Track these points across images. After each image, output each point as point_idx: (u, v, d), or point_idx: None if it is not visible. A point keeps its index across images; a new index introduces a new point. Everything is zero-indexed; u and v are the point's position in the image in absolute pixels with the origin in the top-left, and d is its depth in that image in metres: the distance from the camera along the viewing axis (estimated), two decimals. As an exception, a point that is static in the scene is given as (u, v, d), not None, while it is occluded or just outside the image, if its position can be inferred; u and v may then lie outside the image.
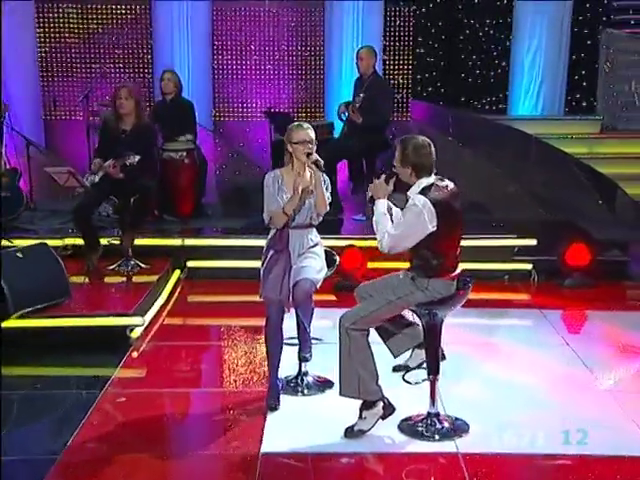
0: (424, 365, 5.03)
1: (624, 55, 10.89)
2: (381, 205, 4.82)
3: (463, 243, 7.35)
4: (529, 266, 8.07)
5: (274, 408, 5.28)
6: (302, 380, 5.65)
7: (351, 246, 7.92)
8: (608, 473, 4.48)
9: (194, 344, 6.64)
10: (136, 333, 6.52)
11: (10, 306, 6.24)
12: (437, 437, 4.89)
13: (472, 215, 9.04)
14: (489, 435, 4.91)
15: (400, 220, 4.71)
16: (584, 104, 11.81)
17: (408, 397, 5.15)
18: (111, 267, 7.71)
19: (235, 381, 5.85)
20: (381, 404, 4.88)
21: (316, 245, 5.45)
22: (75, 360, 6.23)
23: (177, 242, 8.24)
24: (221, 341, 6.75)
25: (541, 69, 11.40)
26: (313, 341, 5.62)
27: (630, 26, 11.14)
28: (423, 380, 5.03)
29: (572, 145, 10.35)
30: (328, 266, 5.56)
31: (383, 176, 4.87)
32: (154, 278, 7.57)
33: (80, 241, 7.64)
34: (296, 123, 5.47)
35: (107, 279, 7.56)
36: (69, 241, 7.89)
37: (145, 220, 7.84)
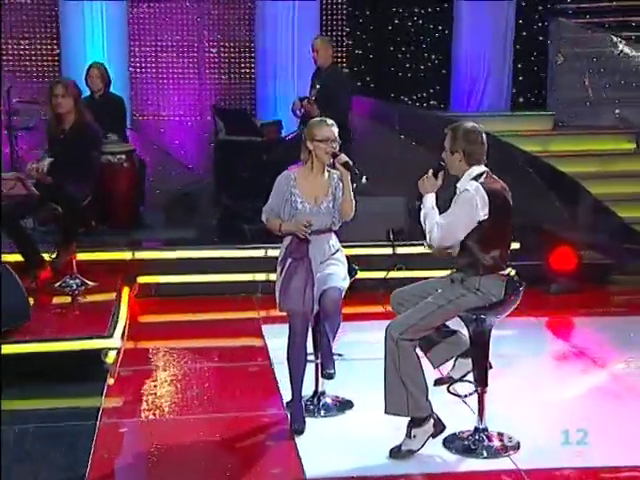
0: (469, 376, 5.16)
1: (576, 46, 11.35)
2: (430, 199, 4.96)
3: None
4: (512, 272, 8.30)
5: (301, 431, 5.31)
6: (319, 400, 5.71)
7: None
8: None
9: (173, 368, 6.63)
10: (111, 358, 6.43)
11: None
12: (489, 454, 5.03)
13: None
14: (542, 449, 5.08)
15: (450, 209, 4.84)
16: (533, 99, 12.22)
17: (445, 412, 5.23)
18: (56, 285, 7.56)
19: (241, 405, 5.86)
20: (431, 421, 4.99)
21: (337, 251, 5.53)
22: (49, 390, 6.11)
23: (126, 256, 8.11)
24: (201, 363, 6.78)
25: (485, 61, 11.75)
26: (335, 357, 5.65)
27: (582, 15, 11.60)
28: (471, 393, 5.15)
29: (524, 143, 10.70)
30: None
31: (431, 170, 5.00)
32: (109, 296, 7.47)
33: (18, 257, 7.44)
34: (318, 119, 5.56)
35: (55, 299, 7.41)
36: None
37: (78, 233, 7.62)
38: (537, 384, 6.20)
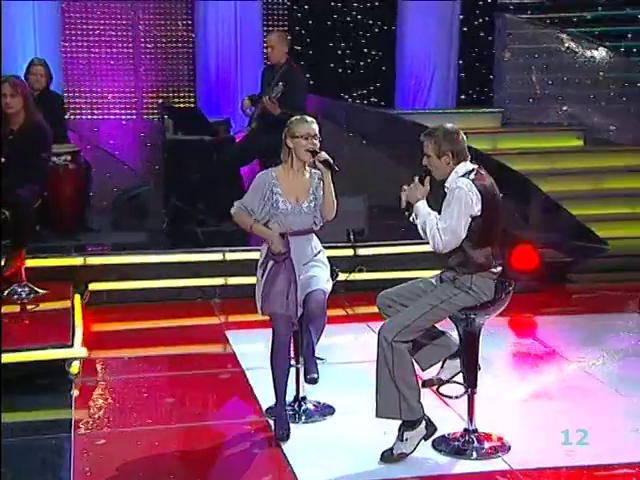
0: (457, 377, 5.30)
1: (523, 43, 11.64)
2: (422, 206, 5.07)
3: (402, 250, 7.77)
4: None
5: (286, 438, 5.39)
6: (300, 406, 5.80)
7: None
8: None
9: (140, 377, 6.64)
10: (75, 368, 6.43)
11: None
12: (481, 455, 5.18)
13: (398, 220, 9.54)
14: (532, 449, 5.24)
15: (446, 210, 4.97)
16: (479, 96, 12.47)
17: (432, 413, 5.34)
18: (4, 294, 7.50)
19: (219, 413, 5.97)
20: (423, 423, 5.12)
21: (319, 253, 5.63)
22: (11, 402, 5.95)
23: (77, 262, 8.08)
24: (168, 372, 6.84)
25: (430, 58, 11.99)
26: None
27: (527, 11, 11.92)
28: (462, 394, 5.29)
29: (472, 141, 10.89)
30: (326, 278, 5.71)
31: (416, 178, 5.12)
32: (63, 304, 7.45)
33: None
34: (298, 116, 5.60)
35: (4, 308, 7.32)
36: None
37: (27, 238, 7.58)
38: (514, 383, 6.41)
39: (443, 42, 12.12)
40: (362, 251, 8.55)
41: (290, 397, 5.78)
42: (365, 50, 12.78)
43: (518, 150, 11.15)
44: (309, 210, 5.53)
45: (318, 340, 5.56)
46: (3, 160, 7.13)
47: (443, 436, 5.34)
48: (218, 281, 8.30)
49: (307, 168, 5.59)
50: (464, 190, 4.95)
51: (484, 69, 12.46)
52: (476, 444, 5.26)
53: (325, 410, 5.83)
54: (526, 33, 11.85)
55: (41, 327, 7.02)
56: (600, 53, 11.69)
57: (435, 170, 5.12)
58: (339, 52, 13.03)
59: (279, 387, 5.48)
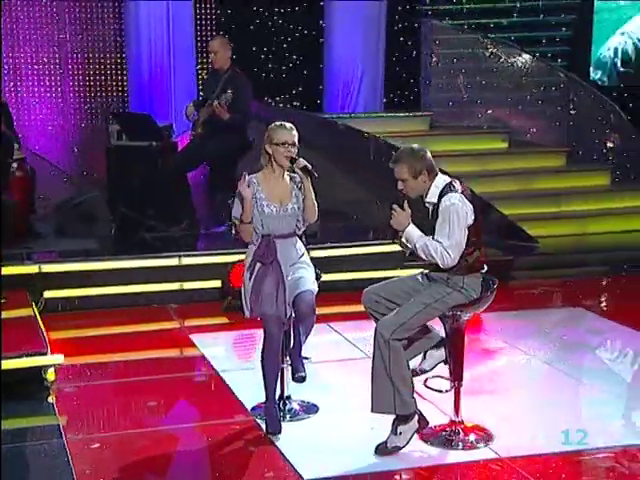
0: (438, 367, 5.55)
1: (449, 48, 12.01)
2: (412, 230, 5.29)
3: (351, 252, 8.02)
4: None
5: (277, 433, 5.58)
6: (285, 405, 5.97)
7: (241, 261, 8.22)
8: None
9: (115, 382, 6.77)
10: (51, 375, 6.47)
11: None
12: (469, 445, 5.44)
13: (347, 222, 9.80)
14: (517, 438, 5.51)
15: (446, 226, 5.20)
16: (407, 100, 12.78)
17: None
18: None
19: (204, 414, 6.08)
20: (416, 417, 5.35)
21: (303, 255, 5.81)
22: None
23: (32, 269, 8.08)
24: (143, 376, 6.87)
25: (358, 62, 12.26)
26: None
27: (453, 16, 12.30)
28: (450, 389, 5.54)
29: (404, 144, 11.22)
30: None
31: (395, 205, 5.31)
32: (24, 312, 7.48)
33: None
34: (278, 122, 5.75)
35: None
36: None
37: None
38: (482, 377, 6.65)
39: (370, 47, 12.38)
40: (315, 253, 8.67)
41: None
42: (292, 55, 12.92)
43: (448, 152, 11.44)
44: (293, 212, 5.71)
45: (306, 340, 5.73)
46: None
47: (430, 428, 5.56)
48: (173, 286, 8.35)
49: (287, 173, 5.74)
50: (459, 205, 5.19)
51: (411, 74, 12.74)
52: (462, 435, 5.50)
53: (310, 408, 6.00)
54: (451, 39, 12.20)
55: (11, 335, 6.98)
56: (521, 58, 12.13)
57: (412, 191, 5.32)
58: (265, 56, 13.09)
59: (270, 385, 5.65)
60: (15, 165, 8.59)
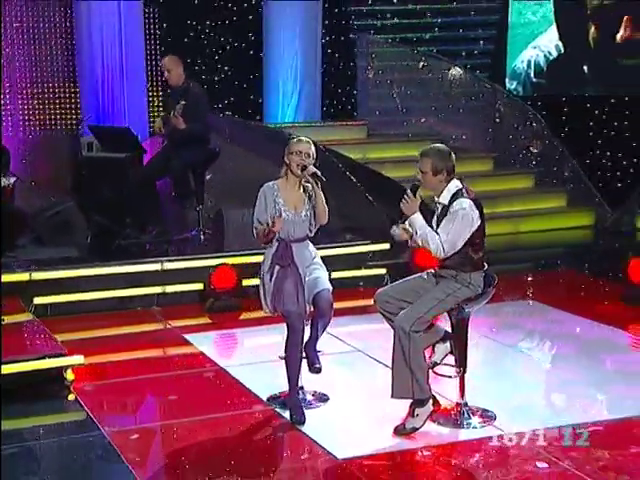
0: (447, 359, 6.13)
1: (384, 60, 12.64)
2: (418, 219, 5.83)
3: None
4: (383, 270, 9.37)
5: (302, 422, 6.05)
6: (298, 394, 6.43)
7: (223, 264, 8.69)
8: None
9: (131, 379, 7.12)
10: (71, 375, 6.81)
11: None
12: (476, 424, 6.02)
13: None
14: (515, 417, 6.11)
15: (450, 225, 5.77)
16: (345, 110, 13.35)
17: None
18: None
19: (225, 406, 6.48)
20: (431, 401, 5.92)
21: (316, 257, 6.33)
22: (18, 409, 6.39)
23: (24, 277, 8.36)
24: (153, 374, 7.23)
25: (297, 74, 12.78)
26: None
27: (381, 32, 12.93)
28: (457, 375, 6.12)
29: (345, 151, 11.80)
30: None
31: (409, 191, 5.89)
32: (25, 317, 7.77)
33: None
34: (297, 138, 6.26)
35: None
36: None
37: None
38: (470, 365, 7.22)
39: (308, 60, 12.85)
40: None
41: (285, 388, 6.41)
42: (231, 67, 13.31)
43: (384, 159, 12.04)
44: (306, 218, 6.21)
45: (322, 334, 6.26)
46: None
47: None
48: (156, 289, 8.73)
49: (301, 182, 6.25)
50: (467, 211, 5.75)
51: (348, 85, 13.31)
52: (468, 415, 6.08)
53: (321, 398, 6.48)
54: (385, 52, 12.81)
55: (23, 339, 7.32)
56: (449, 71, 12.82)
57: (428, 185, 5.90)
58: (206, 69, 13.36)
59: (293, 376, 6.13)
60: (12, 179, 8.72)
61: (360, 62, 13.07)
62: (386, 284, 9.02)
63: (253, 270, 8.57)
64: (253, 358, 7.51)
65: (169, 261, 8.82)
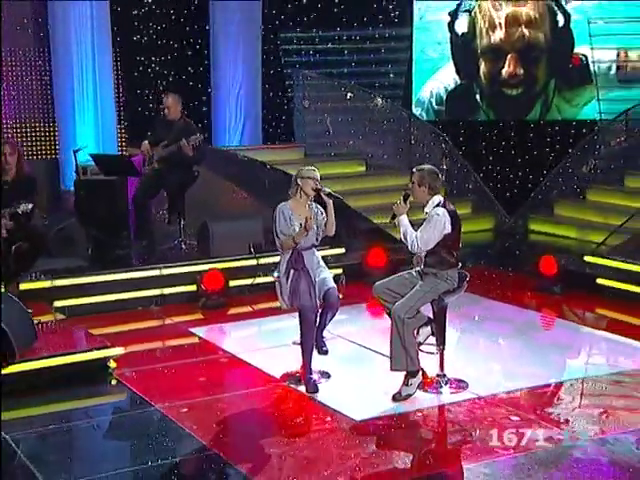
0: (430, 339, 6.98)
1: (315, 91, 13.45)
2: (404, 219, 6.67)
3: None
4: (340, 270, 10.14)
5: (317, 391, 6.84)
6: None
7: (212, 269, 9.37)
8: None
9: (158, 365, 7.75)
10: (114, 363, 7.41)
11: (14, 351, 6.83)
12: (455, 391, 6.86)
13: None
14: (485, 384, 6.98)
15: (426, 226, 6.62)
16: (284, 134, 14.08)
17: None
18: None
19: (248, 384, 7.19)
20: (420, 372, 6.77)
21: (320, 261, 7.11)
22: (76, 393, 7.00)
23: (46, 284, 8.88)
24: (176, 360, 7.85)
25: (242, 104, 13.50)
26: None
27: (311, 66, 13.73)
28: (438, 352, 6.97)
29: (288, 169, 12.49)
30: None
31: (401, 198, 6.74)
32: (57, 317, 8.35)
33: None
34: (307, 167, 7.03)
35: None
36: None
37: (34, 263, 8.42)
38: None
39: (251, 91, 13.57)
40: (263, 260, 9.89)
41: (298, 367, 7.13)
42: (185, 97, 13.73)
43: (321, 175, 12.74)
44: (313, 231, 6.97)
45: (329, 323, 7.05)
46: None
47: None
48: (155, 292, 9.34)
49: (308, 200, 7.01)
50: (440, 217, 6.61)
51: (287, 112, 14.05)
52: (447, 384, 6.92)
53: (324, 375, 7.19)
54: (317, 84, 13.60)
55: (69, 336, 7.83)
56: (373, 100, 13.70)
57: (414, 194, 6.74)
58: (145, 98, 13.65)
59: (308, 357, 6.89)
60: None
61: (296, 93, 13.76)
62: (342, 282, 9.87)
63: (238, 273, 9.46)
64: (254, 345, 8.21)
65: (166, 267, 9.41)
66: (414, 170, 6.80)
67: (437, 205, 6.72)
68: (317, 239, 7.05)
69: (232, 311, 9.33)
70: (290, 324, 8.32)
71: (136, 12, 13.45)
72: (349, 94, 13.42)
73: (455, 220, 6.74)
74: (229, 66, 13.49)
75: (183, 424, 6.30)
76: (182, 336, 8.55)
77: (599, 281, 9.64)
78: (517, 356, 7.82)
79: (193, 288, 9.43)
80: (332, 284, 6.91)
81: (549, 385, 7.07)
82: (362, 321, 8.84)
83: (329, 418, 6.45)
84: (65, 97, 12.33)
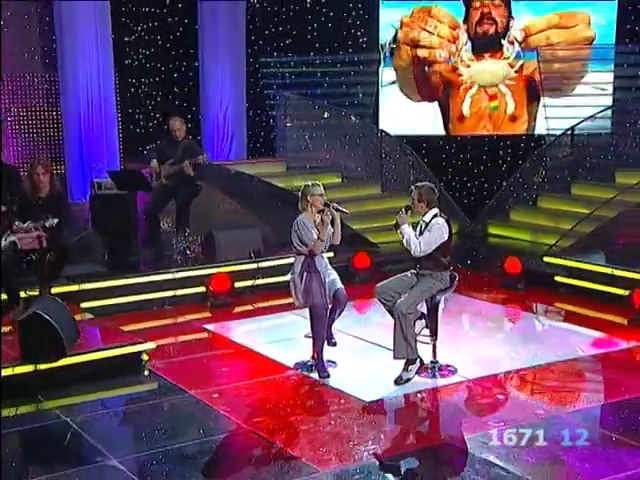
0: (424, 331, 7.65)
1: (296, 111, 14.07)
2: (407, 228, 7.33)
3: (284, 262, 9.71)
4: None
5: (328, 377, 7.47)
6: (315, 362, 7.80)
7: (219, 272, 9.95)
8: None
9: (183, 359, 8.26)
10: (147, 356, 7.96)
11: (65, 347, 7.37)
12: (446, 375, 7.54)
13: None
14: (471, 367, 7.66)
15: (428, 233, 7.29)
16: (267, 150, 14.67)
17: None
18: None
19: (265, 372, 7.76)
20: (418, 360, 7.44)
21: (327, 264, 7.74)
22: (117, 382, 7.55)
23: (74, 287, 9.37)
24: (197, 354, 8.43)
25: (229, 122, 14.09)
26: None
27: (287, 87, 14.34)
28: (431, 342, 7.64)
29: (273, 181, 13.14)
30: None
31: (403, 209, 7.40)
32: (88, 316, 8.86)
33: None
34: (311, 182, 7.65)
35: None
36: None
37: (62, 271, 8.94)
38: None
39: (237, 110, 14.17)
40: (262, 264, 10.49)
41: (306, 357, 7.78)
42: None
43: (300, 188, 13.34)
44: (326, 239, 7.60)
45: (337, 319, 7.70)
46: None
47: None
48: (169, 293, 9.89)
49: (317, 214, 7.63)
50: (440, 225, 7.29)
51: (270, 129, 14.62)
52: (440, 370, 7.60)
53: (332, 363, 7.79)
54: (300, 104, 14.20)
55: (107, 333, 8.35)
56: (345, 118, 14.35)
57: (415, 207, 7.41)
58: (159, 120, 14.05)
59: (320, 348, 7.51)
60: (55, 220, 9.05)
61: (277, 112, 14.34)
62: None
63: (242, 275, 10.04)
64: (262, 339, 8.77)
65: (178, 271, 9.97)
66: (413, 187, 7.44)
67: (435, 216, 7.37)
68: (326, 247, 7.66)
69: (237, 309, 9.87)
70: (290, 320, 9.16)
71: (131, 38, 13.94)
72: (325, 113, 13.97)
73: (449, 229, 7.40)
74: (217, 89, 14.06)
75: (218, 407, 6.87)
76: (197, 332, 9.08)
77: (557, 278, 10.37)
78: (493, 344, 8.51)
79: (202, 289, 9.91)
80: (340, 285, 7.55)
81: (524, 369, 7.75)
82: (353, 317, 9.39)
83: (342, 400, 7.05)
84: (72, 118, 12.72)
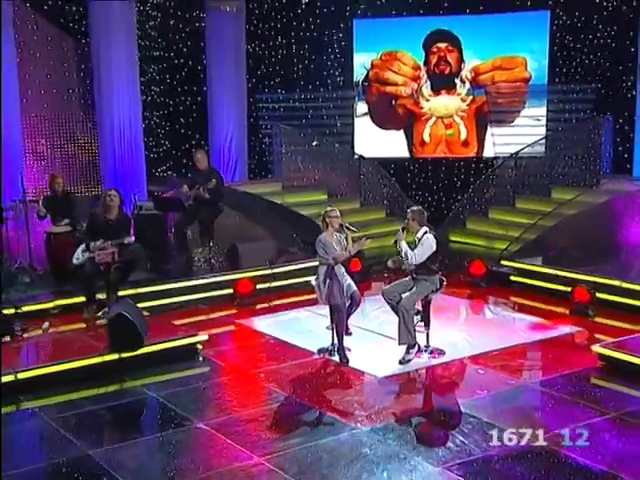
0: (419, 323, 8.88)
1: (289, 138, 15.22)
2: (404, 244, 8.50)
3: (294, 267, 10.89)
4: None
5: (348, 362, 8.66)
6: (334, 348, 8.99)
7: (244, 277, 11.09)
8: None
9: (225, 347, 9.33)
10: (200, 346, 9.04)
11: (142, 339, 8.48)
12: (438, 356, 8.75)
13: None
14: (455, 350, 8.90)
15: (420, 248, 8.47)
16: (264, 172, 15.80)
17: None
18: (99, 314, 9.80)
19: (295, 357, 8.80)
20: (417, 344, 8.68)
21: (344, 271, 8.94)
22: (181, 367, 8.62)
23: (133, 291, 10.36)
24: (234, 344, 9.52)
25: (232, 149, 15.21)
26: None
27: (276, 119, 15.48)
28: (425, 331, 8.88)
29: (273, 198, 14.26)
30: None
31: (400, 229, 8.62)
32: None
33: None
34: (329, 208, 8.80)
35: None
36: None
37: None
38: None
39: (239, 138, 15.25)
40: (276, 270, 11.63)
41: (326, 344, 8.93)
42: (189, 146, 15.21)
43: (294, 203, 14.53)
44: (351, 252, 8.77)
45: (353, 314, 8.88)
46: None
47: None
48: (203, 295, 10.96)
49: (335, 231, 8.83)
50: (430, 240, 8.49)
51: (267, 155, 15.77)
52: (432, 352, 8.81)
53: (347, 350, 8.98)
54: (290, 132, 15.31)
55: (165, 327, 9.34)
56: (331, 145, 15.49)
57: (409, 226, 8.57)
58: (176, 151, 15.25)
59: (341, 338, 8.66)
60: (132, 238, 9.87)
61: (274, 139, 15.46)
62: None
63: (262, 279, 11.15)
64: (286, 331, 9.81)
65: (211, 276, 11.07)
66: (409, 211, 8.66)
67: (425, 233, 8.60)
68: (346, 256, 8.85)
69: (259, 306, 10.96)
70: (305, 315, 10.21)
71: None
72: (315, 141, 15.14)
73: (437, 242, 8.64)
74: (222, 122, 15.14)
75: (267, 384, 8.02)
76: (231, 325, 10.10)
77: (512, 277, 11.69)
78: (471, 331, 9.68)
79: (230, 291, 11.01)
80: (355, 288, 8.75)
81: (495, 350, 8.98)
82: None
83: (362, 376, 8.25)
84: (106, 147, 13.73)
